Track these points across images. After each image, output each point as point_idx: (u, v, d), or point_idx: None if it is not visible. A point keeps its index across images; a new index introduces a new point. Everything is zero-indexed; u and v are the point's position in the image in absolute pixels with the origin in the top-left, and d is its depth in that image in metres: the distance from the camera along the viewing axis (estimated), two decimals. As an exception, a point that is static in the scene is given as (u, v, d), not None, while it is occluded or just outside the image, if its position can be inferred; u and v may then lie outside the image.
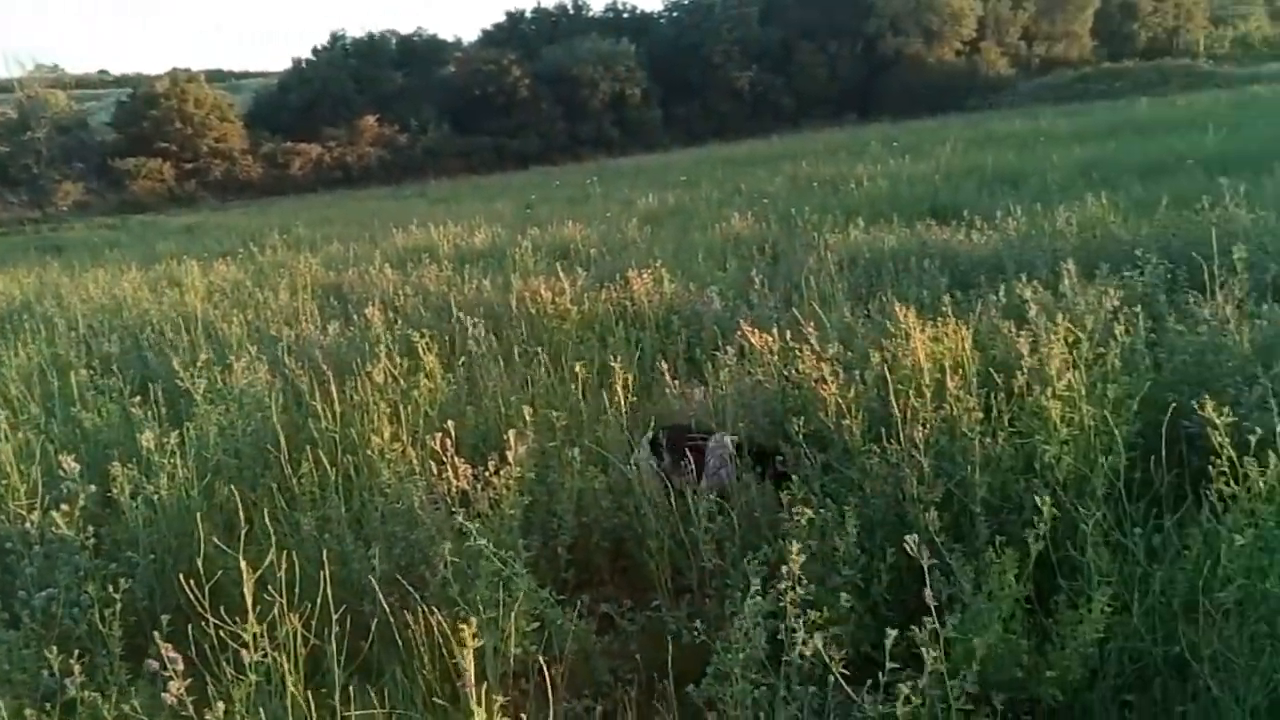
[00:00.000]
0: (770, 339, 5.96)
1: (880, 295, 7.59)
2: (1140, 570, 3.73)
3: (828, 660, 2.86)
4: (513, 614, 3.60)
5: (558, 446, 5.15)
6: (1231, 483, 3.46)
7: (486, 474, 4.27)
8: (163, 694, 2.79)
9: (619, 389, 5.45)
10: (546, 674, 3.26)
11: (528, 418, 4.84)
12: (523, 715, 3.14)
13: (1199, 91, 36.02)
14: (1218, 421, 3.39)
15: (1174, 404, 4.13)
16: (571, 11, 65.24)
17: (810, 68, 58.78)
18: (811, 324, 5.92)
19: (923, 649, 2.86)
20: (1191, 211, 8.94)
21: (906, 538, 3.07)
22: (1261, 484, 3.40)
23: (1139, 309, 5.54)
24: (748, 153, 34.91)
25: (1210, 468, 3.51)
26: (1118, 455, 4.08)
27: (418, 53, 62.04)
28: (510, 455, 4.26)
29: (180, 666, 2.79)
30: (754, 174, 24.23)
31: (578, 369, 5.98)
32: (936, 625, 2.84)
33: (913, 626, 2.90)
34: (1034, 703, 3.45)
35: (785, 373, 5.68)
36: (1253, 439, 3.40)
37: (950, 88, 54.60)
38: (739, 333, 6.48)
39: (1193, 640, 3.42)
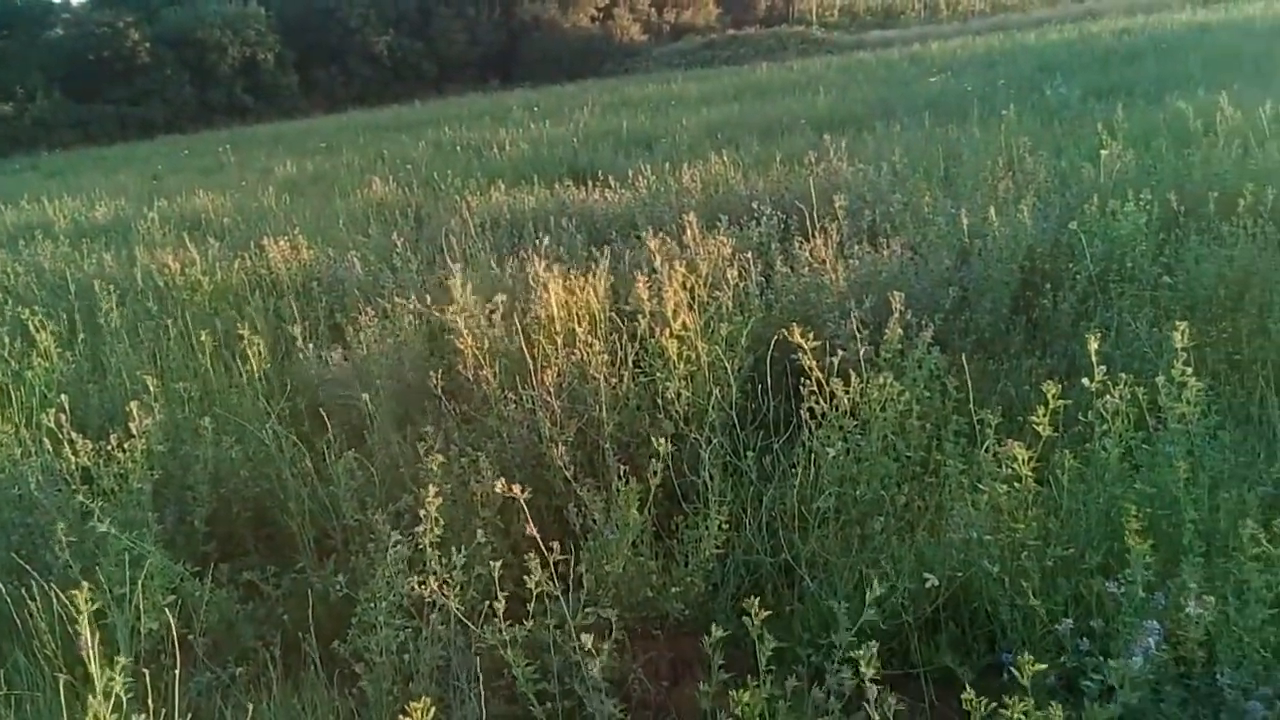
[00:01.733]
0: (413, 300, 5.98)
1: (521, 253, 7.74)
2: (753, 489, 4.10)
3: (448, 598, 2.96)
4: (147, 590, 3.47)
5: (189, 418, 4.93)
6: (822, 402, 3.85)
7: (109, 449, 4.07)
8: None
9: (252, 356, 5.28)
10: (187, 646, 3.17)
11: (153, 389, 4.61)
12: (161, 685, 3.01)
13: (812, 57, 38.82)
14: (805, 346, 3.76)
15: (776, 338, 4.53)
16: (191, -29, 60.89)
17: (450, 33, 58.17)
18: (454, 281, 5.98)
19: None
20: (802, 166, 9.74)
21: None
22: (847, 401, 3.81)
23: (750, 255, 6.02)
24: (391, 118, 34.19)
25: (802, 389, 3.89)
26: (730, 388, 4.45)
27: (19, 14, 55.74)
28: (134, 428, 4.06)
29: None
30: (397, 140, 23.82)
31: (204, 338, 5.72)
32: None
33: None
34: (663, 618, 3.71)
35: (426, 330, 5.73)
36: (835, 361, 3.81)
37: (588, 53, 55.93)
38: (382, 295, 6.46)
39: (798, 547, 3.80)
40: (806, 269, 6.06)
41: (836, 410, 3.82)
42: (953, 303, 5.63)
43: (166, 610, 3.36)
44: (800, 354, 3.81)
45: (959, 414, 3.98)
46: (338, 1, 56.51)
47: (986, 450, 3.53)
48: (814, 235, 6.43)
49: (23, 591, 3.45)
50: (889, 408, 3.87)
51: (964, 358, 4.26)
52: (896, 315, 4.28)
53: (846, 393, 3.79)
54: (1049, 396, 3.14)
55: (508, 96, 37.24)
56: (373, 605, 3.23)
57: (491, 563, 2.92)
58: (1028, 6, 57.15)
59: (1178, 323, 3.30)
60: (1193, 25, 24.88)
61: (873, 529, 3.71)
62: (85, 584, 2.66)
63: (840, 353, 3.89)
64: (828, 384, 3.79)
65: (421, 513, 3.13)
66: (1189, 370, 3.27)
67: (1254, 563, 2.68)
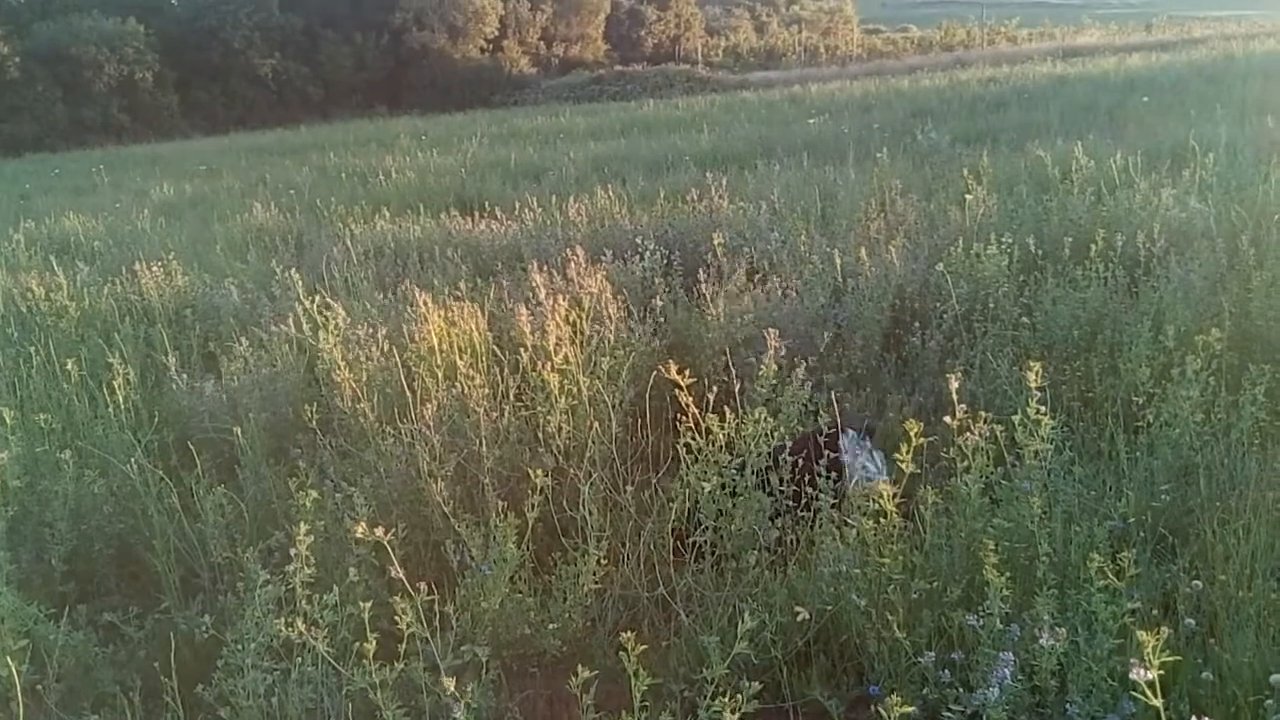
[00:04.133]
0: (290, 328, 5.89)
1: (405, 283, 7.69)
2: (632, 524, 4.13)
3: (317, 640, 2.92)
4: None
5: (49, 451, 4.75)
6: (698, 437, 3.91)
7: (-42, 485, 3.91)
8: None
9: (119, 386, 5.12)
10: (39, 693, 3.05)
11: (9, 421, 4.44)
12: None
13: (698, 95, 39.47)
14: (681, 382, 3.82)
15: (657, 372, 4.58)
16: (68, -15, 58.91)
17: (336, 58, 57.40)
18: (333, 312, 5.91)
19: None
20: (685, 203, 9.89)
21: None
22: (722, 436, 3.88)
23: (634, 290, 6.11)
24: (274, 142, 33.60)
25: (679, 425, 3.95)
26: (610, 422, 4.49)
27: (-118, 26, 53.10)
28: (-13, 464, 3.91)
29: None
30: (281, 164, 23.44)
31: (69, 366, 5.53)
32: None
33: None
34: (540, 655, 3.71)
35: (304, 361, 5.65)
36: (711, 396, 3.88)
37: (477, 83, 55.96)
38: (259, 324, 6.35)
39: (674, 582, 3.84)
40: (686, 306, 6.16)
41: (713, 445, 3.89)
42: (827, 340, 5.78)
43: (16, 656, 3.22)
44: (679, 390, 3.87)
45: (830, 450, 4.08)
46: (221, 21, 55.33)
47: (855, 484, 3.64)
48: (697, 272, 6.54)
49: None
50: (763, 443, 3.95)
51: (834, 394, 4.38)
52: (771, 352, 4.38)
53: (722, 428, 3.86)
54: (911, 434, 3.25)
55: (395, 124, 36.89)
56: (240, 647, 3.16)
57: (362, 603, 2.87)
58: (901, 54, 59.35)
59: (1033, 363, 3.46)
60: (1053, 77, 26.12)
61: (747, 563, 3.77)
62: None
63: (715, 388, 3.95)
64: (704, 419, 3.86)
65: (293, 551, 3.08)
66: (1044, 409, 3.42)
67: (1101, 594, 2.81)
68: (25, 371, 6.17)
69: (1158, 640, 1.75)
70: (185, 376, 5.91)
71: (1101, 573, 2.79)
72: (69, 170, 29.40)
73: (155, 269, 8.74)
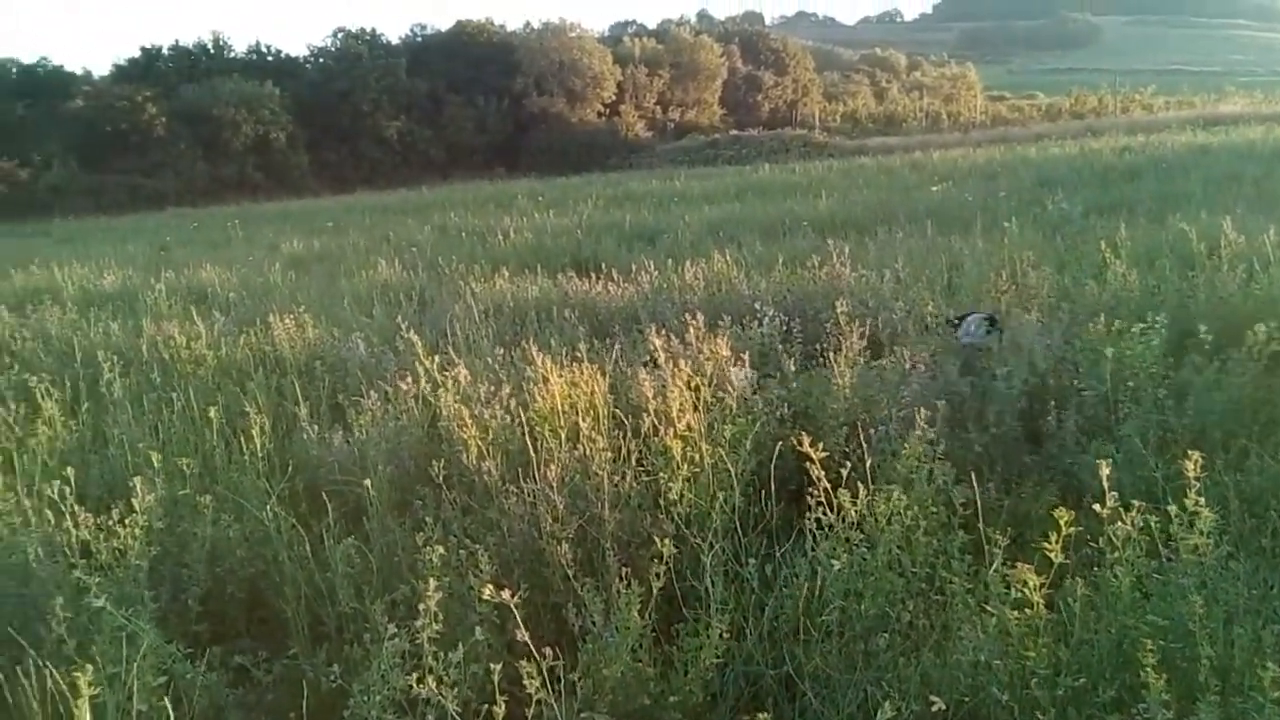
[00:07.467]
0: (414, 384, 5.95)
1: (524, 342, 7.73)
2: (755, 597, 4.01)
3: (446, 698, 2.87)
4: (137, 669, 3.37)
5: (190, 494, 4.86)
6: (828, 513, 3.80)
7: (110, 523, 4.01)
8: None
9: (255, 434, 5.23)
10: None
11: (156, 464, 4.55)
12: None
13: (814, 160, 39.53)
14: (813, 455, 3.72)
15: (780, 442, 4.49)
16: (212, 51, 62.03)
17: (459, 120, 59.33)
18: (458, 369, 5.96)
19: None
20: (804, 269, 9.80)
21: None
22: (854, 513, 3.75)
23: (752, 355, 6.02)
24: (398, 201, 34.61)
25: (809, 498, 3.83)
26: (733, 491, 4.39)
27: (41, 84, 56.71)
28: (136, 504, 3.99)
29: None
30: (403, 223, 24.09)
31: (211, 413, 5.67)
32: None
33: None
34: (660, 729, 3.61)
35: (429, 416, 5.69)
36: (844, 472, 3.76)
37: (593, 147, 57.11)
38: (385, 378, 6.45)
39: (800, 660, 3.71)
40: (809, 374, 6.05)
41: (843, 522, 3.76)
42: (958, 417, 5.60)
43: (163, 695, 3.26)
44: (809, 464, 3.76)
45: (965, 530, 3.92)
46: (351, 85, 57.71)
47: (995, 571, 3.47)
48: (817, 340, 6.43)
49: (16, 669, 3.35)
50: (895, 521, 3.81)
51: (973, 474, 4.21)
52: (920, 432, 4.24)
53: (854, 505, 3.73)
54: (1061, 523, 3.09)
55: (513, 185, 37.75)
56: (366, 698, 3.15)
57: (491, 665, 2.83)
58: (1027, 121, 58.44)
59: (1191, 452, 3.27)
60: (1193, 146, 25.34)
61: (877, 646, 3.63)
62: (83, 663, 2.59)
63: (848, 463, 3.83)
64: (835, 495, 3.74)
65: (420, 606, 3.06)
66: (1201, 500, 3.23)
67: (1276, 706, 2.61)
68: (167, 416, 6.38)
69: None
70: (315, 427, 6.00)
71: (1276, 683, 2.59)
72: (206, 224, 30.74)
73: (287, 321, 8.98)
